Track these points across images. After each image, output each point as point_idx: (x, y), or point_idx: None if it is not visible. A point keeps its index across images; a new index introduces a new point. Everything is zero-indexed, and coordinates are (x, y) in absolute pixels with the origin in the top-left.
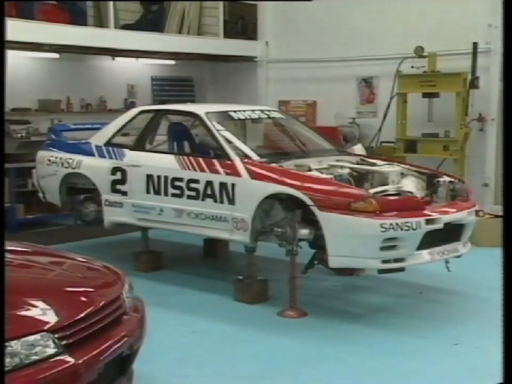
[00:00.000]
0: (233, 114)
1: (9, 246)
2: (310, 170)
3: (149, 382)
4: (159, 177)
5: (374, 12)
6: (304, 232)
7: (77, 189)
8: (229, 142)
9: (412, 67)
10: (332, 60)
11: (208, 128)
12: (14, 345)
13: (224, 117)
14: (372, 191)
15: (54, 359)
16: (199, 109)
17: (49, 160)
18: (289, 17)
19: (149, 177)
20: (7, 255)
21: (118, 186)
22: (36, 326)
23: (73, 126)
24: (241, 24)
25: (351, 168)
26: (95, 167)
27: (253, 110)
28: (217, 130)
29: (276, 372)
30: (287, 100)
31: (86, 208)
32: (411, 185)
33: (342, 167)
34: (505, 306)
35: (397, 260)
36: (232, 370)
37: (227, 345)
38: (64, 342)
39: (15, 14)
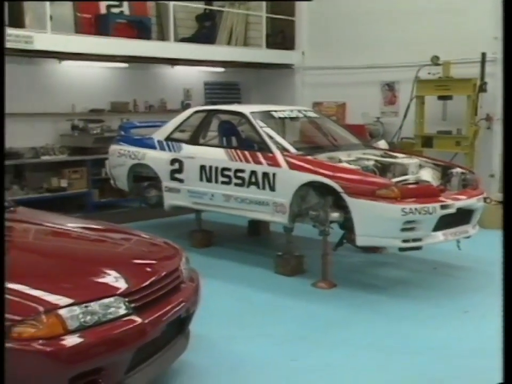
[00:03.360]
0: (274, 113)
1: (87, 224)
2: (340, 162)
3: (202, 340)
4: (210, 167)
5: (396, 25)
6: (335, 215)
7: (142, 177)
8: (270, 137)
9: (429, 73)
10: (359, 67)
11: (253, 125)
12: (93, 306)
13: (267, 116)
14: (394, 180)
15: (125, 319)
16: (245, 109)
17: (119, 153)
18: (322, 30)
19: (202, 167)
20: (87, 231)
21: (176, 175)
22: (110, 290)
23: (139, 124)
24: (281, 36)
25: (376, 160)
26: (157, 159)
27: (291, 110)
28: (261, 127)
29: (310, 333)
30: (320, 101)
31: (149, 193)
32: (428, 175)
33: (368, 159)
34: (505, 307)
35: (415, 240)
36: (272, 331)
37: (268, 310)
38: (133, 304)
39: (94, 32)
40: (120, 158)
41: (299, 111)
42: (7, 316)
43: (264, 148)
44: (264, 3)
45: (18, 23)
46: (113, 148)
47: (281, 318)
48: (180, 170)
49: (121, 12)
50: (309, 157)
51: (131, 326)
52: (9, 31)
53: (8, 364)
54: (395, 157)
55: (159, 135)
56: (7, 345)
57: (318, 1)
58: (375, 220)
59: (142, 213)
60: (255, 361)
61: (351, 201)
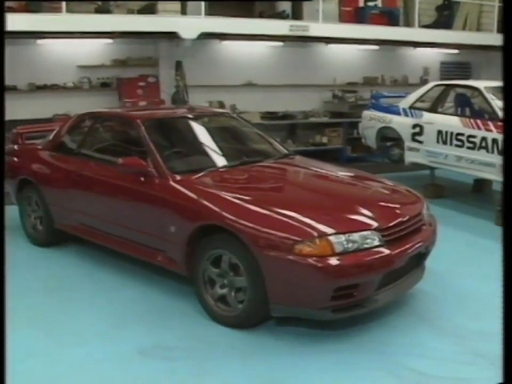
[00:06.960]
0: None
1: (343, 171)
2: None
3: (434, 273)
4: (446, 132)
5: None
6: None
7: (387, 137)
8: (500, 108)
9: None
10: None
11: (486, 98)
12: (354, 236)
13: (498, 91)
14: None
15: (377, 249)
16: (479, 84)
17: (370, 117)
18: None
19: (439, 132)
20: (343, 176)
21: (416, 137)
22: (367, 225)
23: (386, 94)
24: None
25: None
26: (401, 123)
27: None
28: (492, 99)
29: None
30: None
31: (393, 151)
32: None
33: None
34: (505, 308)
35: None
36: (489, 271)
37: (488, 254)
38: (384, 239)
39: (353, 21)
40: (371, 121)
41: None
42: (290, 236)
43: (495, 118)
44: None
45: (298, 16)
46: (365, 113)
47: (488, 260)
48: (420, 133)
49: (375, 5)
50: None
51: (381, 255)
52: (291, 22)
53: (290, 272)
54: None
55: (404, 104)
56: (289, 257)
57: None
58: None
59: (384, 167)
60: (474, 294)
61: None
